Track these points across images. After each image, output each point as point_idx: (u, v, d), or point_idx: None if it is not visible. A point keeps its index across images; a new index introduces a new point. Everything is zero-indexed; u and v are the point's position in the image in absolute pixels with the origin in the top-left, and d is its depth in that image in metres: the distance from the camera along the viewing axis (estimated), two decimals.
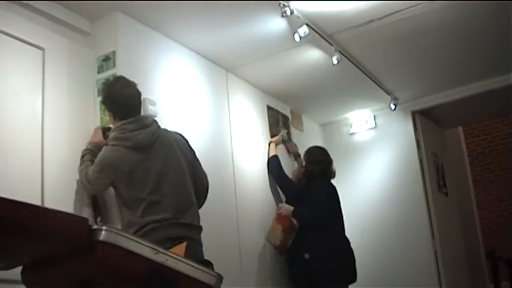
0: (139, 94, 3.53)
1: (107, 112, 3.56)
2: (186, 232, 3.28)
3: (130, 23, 4.15)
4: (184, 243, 2.76)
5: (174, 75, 4.44)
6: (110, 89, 3.52)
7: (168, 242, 2.87)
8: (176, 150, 3.50)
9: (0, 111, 3.35)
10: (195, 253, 3.21)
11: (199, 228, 3.43)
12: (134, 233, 3.09)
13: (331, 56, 4.84)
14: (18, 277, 2.39)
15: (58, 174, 3.57)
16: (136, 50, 4.15)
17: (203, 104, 4.77)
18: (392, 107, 6.18)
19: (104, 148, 3.43)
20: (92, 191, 3.59)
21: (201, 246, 3.40)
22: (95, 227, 2.28)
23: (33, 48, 3.65)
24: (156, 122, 3.57)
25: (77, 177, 3.58)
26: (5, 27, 3.48)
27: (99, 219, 3.63)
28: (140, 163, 3.32)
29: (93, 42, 4.09)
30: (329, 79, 5.44)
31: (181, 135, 3.68)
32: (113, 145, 3.38)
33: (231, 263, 4.52)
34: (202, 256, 3.34)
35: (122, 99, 3.45)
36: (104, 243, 2.23)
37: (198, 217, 3.48)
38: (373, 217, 6.23)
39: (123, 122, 3.41)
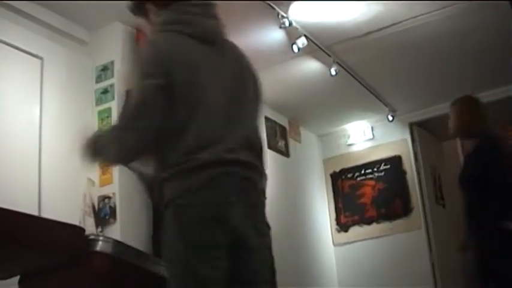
0: None
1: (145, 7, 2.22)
2: None
3: (129, 32, 4.14)
4: None
5: None
6: None
7: None
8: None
9: None
10: None
11: None
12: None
13: (329, 67, 4.84)
14: (16, 286, 2.38)
15: (55, 184, 3.56)
16: None
17: None
18: (390, 118, 6.18)
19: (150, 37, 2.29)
20: (147, 128, 1.93)
21: None
22: (92, 237, 2.27)
23: (32, 58, 3.66)
24: None
25: (74, 186, 3.56)
26: (4, 36, 3.49)
27: (99, 229, 3.60)
28: (206, 57, 2.11)
29: (91, 51, 4.10)
30: (327, 90, 5.44)
31: None
32: (164, 30, 2.13)
33: None
34: None
35: None
36: (101, 253, 2.22)
37: None
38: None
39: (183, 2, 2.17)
